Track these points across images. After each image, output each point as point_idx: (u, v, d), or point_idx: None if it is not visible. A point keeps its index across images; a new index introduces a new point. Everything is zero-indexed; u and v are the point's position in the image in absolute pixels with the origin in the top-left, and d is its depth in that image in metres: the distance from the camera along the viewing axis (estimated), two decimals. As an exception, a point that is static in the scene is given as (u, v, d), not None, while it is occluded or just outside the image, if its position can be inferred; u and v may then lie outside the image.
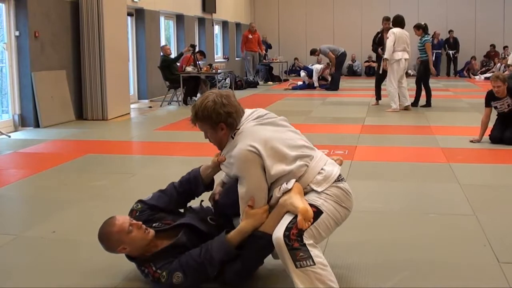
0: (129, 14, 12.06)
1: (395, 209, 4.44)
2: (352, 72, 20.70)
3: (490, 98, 7.09)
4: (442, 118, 9.57)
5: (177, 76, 11.84)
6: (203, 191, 3.14)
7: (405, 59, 10.44)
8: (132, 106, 11.36)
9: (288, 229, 2.62)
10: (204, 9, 16.43)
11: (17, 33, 8.60)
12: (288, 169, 2.75)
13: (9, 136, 7.98)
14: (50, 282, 3.10)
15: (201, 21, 16.64)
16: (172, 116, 10.10)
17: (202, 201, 3.22)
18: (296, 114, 10.32)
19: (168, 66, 11.89)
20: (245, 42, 17.04)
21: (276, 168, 2.73)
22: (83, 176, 5.66)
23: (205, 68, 12.51)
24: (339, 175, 2.86)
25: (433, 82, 16.16)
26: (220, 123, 2.83)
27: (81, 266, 3.27)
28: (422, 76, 11.19)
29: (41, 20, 8.88)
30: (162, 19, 14.17)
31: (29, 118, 8.78)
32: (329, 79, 15.55)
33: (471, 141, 7.10)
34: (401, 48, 10.34)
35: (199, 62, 12.49)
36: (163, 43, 13.92)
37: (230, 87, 13.96)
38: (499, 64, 18.47)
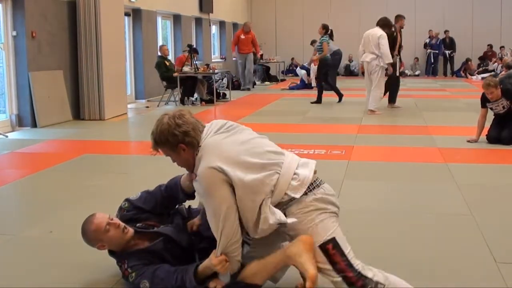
0: (126, 14, 12.04)
1: (392, 209, 4.45)
2: (349, 72, 20.72)
3: (485, 100, 7.10)
4: (439, 118, 9.58)
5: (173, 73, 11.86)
6: (184, 200, 3.12)
7: (367, 62, 10.12)
8: (129, 106, 11.36)
9: (346, 278, 2.58)
10: (201, 9, 16.43)
11: (14, 33, 8.59)
12: (259, 177, 2.61)
13: (7, 136, 7.97)
14: (47, 282, 3.09)
15: (198, 21, 16.63)
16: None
17: (189, 206, 3.23)
18: (293, 114, 10.33)
19: (163, 66, 11.92)
20: (236, 43, 15.52)
21: (245, 178, 2.59)
22: (80, 176, 5.66)
23: (202, 68, 12.51)
24: (316, 179, 2.72)
25: (430, 82, 16.19)
26: (179, 144, 2.71)
27: (78, 265, 3.27)
28: (323, 74, 12.03)
29: (38, 20, 8.87)
30: (159, 19, 14.16)
31: (26, 118, 8.77)
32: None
33: (468, 141, 7.11)
34: (362, 50, 10.24)
35: (196, 62, 12.49)
36: (160, 43, 13.92)
37: (227, 87, 13.96)
38: (496, 64, 18.50)
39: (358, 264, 2.63)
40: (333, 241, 2.63)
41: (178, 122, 2.72)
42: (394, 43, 10.52)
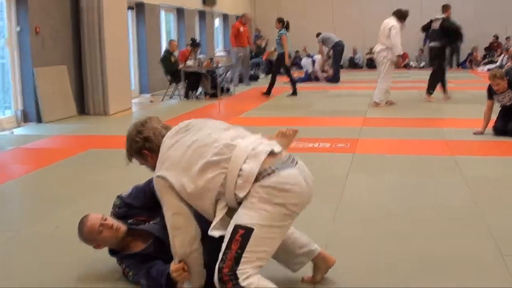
0: (129, 8, 12.03)
1: (397, 202, 4.43)
2: (354, 65, 20.66)
3: (492, 92, 7.08)
4: (445, 110, 9.54)
5: (178, 68, 11.85)
6: None
7: (376, 52, 10.21)
8: (133, 100, 11.36)
9: (220, 269, 2.38)
10: (204, 2, 16.40)
11: (18, 29, 8.59)
12: (200, 185, 2.47)
13: (12, 132, 7.99)
14: (54, 278, 3.10)
15: (201, 14, 16.60)
16: (174, 111, 10.10)
17: None
18: (297, 107, 10.31)
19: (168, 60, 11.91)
20: (235, 36, 14.42)
21: (188, 188, 2.49)
22: (86, 171, 5.67)
23: (206, 63, 12.49)
24: (269, 167, 2.44)
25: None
26: (142, 150, 2.76)
27: (84, 261, 3.27)
28: (275, 68, 12.36)
29: (41, 16, 8.87)
30: (162, 12, 14.14)
31: (31, 113, 8.78)
32: (329, 71, 15.58)
33: (474, 133, 7.09)
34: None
35: (200, 56, 12.48)
36: (164, 37, 13.90)
37: (231, 81, 13.92)
38: (502, 56, 18.41)
39: (246, 269, 2.36)
40: (248, 231, 2.38)
41: (139, 129, 2.77)
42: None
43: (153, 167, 2.74)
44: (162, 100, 11.88)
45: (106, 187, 4.96)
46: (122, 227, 3.00)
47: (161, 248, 2.94)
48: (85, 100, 9.81)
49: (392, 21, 9.95)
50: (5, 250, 3.59)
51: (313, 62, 15.96)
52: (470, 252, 3.39)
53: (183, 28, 15.05)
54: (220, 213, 2.49)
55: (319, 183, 4.96)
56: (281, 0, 21.12)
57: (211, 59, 13.16)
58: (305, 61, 16.25)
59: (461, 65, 19.87)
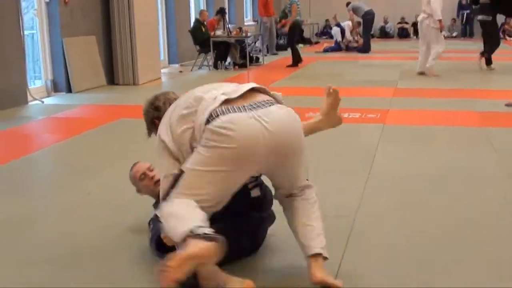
0: (158, -22, 11.98)
1: (426, 174, 4.38)
2: (385, 34, 20.35)
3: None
4: (477, 81, 9.36)
5: (209, 38, 11.81)
6: None
7: (420, 22, 10.07)
8: (162, 70, 11.39)
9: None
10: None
11: (47, 0, 8.63)
12: (175, 140, 2.46)
13: (42, 102, 8.09)
14: (85, 244, 3.14)
15: (230, -17, 16.47)
16: (203, 81, 10.06)
17: None
18: (328, 77, 10.22)
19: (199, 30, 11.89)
20: (264, 5, 14.44)
21: (171, 144, 2.49)
22: (117, 140, 5.72)
23: (235, 32, 12.42)
24: (210, 115, 2.35)
25: (468, 44, 15.80)
26: (153, 120, 2.90)
27: (115, 227, 3.31)
28: (289, 38, 12.33)
29: (70, -14, 8.90)
30: (191, -18, 14.06)
31: (61, 83, 8.87)
32: (360, 41, 15.39)
33: (506, 105, 6.95)
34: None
35: (228, 25, 12.41)
36: (192, 6, 13.83)
37: (260, 51, 13.83)
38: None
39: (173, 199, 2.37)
40: (180, 173, 2.39)
41: (152, 101, 2.96)
42: None
43: None
44: (191, 70, 11.89)
45: (136, 157, 4.98)
46: None
47: None
48: (114, 70, 9.86)
49: None
50: (39, 217, 3.65)
51: (343, 31, 15.76)
52: (500, 228, 3.33)
53: (212, -3, 14.95)
54: None
55: (349, 153, 4.99)
56: (311, -32, 20.82)
57: (240, 28, 13.08)
58: (335, 30, 16.06)
59: (495, 34, 19.42)
